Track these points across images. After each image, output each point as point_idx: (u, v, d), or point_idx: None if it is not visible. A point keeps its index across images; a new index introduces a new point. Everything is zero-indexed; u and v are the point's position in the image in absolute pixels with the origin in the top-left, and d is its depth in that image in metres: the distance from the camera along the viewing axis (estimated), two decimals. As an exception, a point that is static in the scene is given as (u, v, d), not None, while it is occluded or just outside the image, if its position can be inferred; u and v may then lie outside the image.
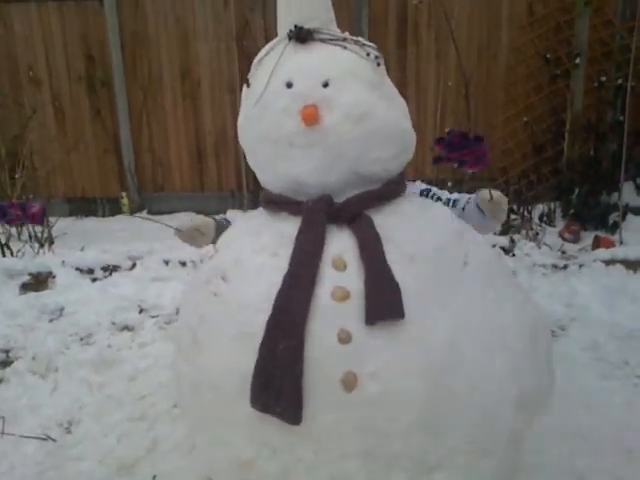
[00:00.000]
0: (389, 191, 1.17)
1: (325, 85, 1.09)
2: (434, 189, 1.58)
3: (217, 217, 1.43)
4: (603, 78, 4.07)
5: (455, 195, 1.36)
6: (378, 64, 1.16)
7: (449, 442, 1.01)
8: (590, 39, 4.06)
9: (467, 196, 1.33)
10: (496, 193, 1.19)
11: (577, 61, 4.03)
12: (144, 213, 4.96)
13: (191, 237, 1.34)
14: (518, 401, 1.07)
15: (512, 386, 1.06)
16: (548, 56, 4.22)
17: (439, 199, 1.48)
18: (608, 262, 3.00)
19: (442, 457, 1.02)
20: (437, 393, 0.98)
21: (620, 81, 3.97)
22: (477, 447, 1.04)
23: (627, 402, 1.80)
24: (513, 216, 3.65)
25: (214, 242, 1.33)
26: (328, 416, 0.98)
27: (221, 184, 4.95)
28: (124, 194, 4.96)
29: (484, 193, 1.20)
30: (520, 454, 1.22)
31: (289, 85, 1.11)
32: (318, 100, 1.08)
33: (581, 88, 4.08)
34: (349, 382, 0.97)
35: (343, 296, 1.01)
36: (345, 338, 0.98)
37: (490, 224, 1.27)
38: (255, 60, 1.21)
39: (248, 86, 1.20)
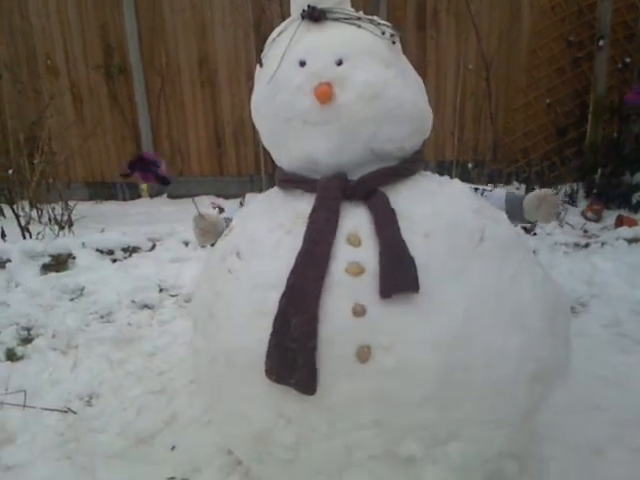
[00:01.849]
0: (404, 168, 1.16)
1: (339, 63, 1.08)
2: None
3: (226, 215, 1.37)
4: (628, 59, 3.99)
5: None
6: (393, 42, 1.14)
7: (463, 414, 1.01)
8: (613, 22, 3.97)
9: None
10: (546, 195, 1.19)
11: (600, 43, 3.94)
12: (164, 197, 5.01)
13: (206, 231, 1.29)
14: (534, 376, 1.07)
15: (528, 361, 1.05)
16: (571, 39, 4.14)
17: None
18: (631, 240, 2.98)
19: (456, 428, 1.02)
20: (451, 366, 0.98)
21: (644, 63, 3.88)
22: (491, 418, 1.04)
23: (647, 376, 1.78)
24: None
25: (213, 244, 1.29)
26: (342, 386, 0.98)
27: (240, 169, 4.96)
28: (143, 179, 5.00)
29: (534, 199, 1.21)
30: (535, 425, 1.21)
31: (302, 63, 1.10)
32: (332, 78, 1.07)
33: (604, 70, 4.00)
34: (363, 355, 0.98)
35: (358, 271, 1.01)
36: (360, 311, 0.99)
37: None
38: (268, 39, 1.20)
39: (261, 65, 1.19)
